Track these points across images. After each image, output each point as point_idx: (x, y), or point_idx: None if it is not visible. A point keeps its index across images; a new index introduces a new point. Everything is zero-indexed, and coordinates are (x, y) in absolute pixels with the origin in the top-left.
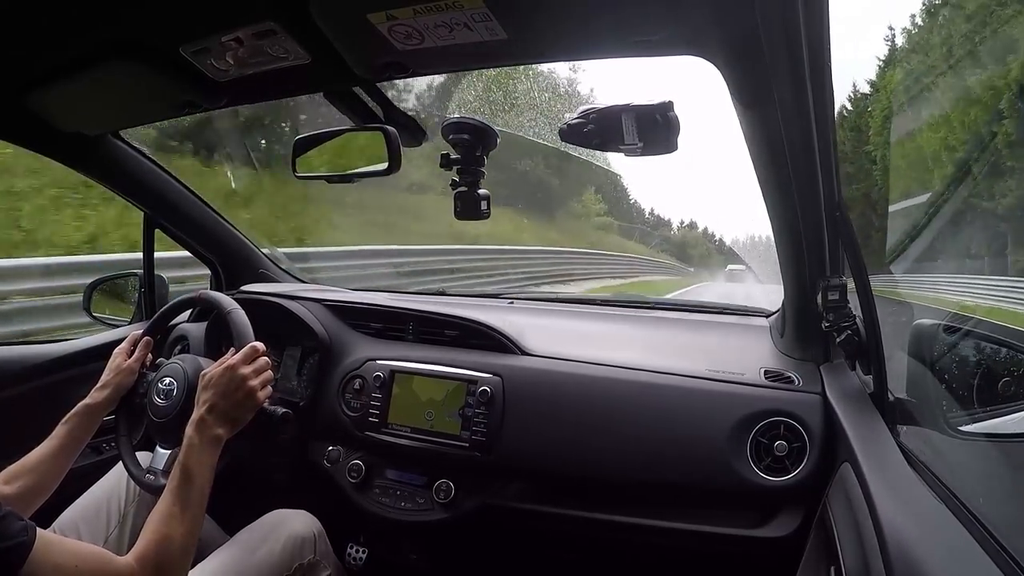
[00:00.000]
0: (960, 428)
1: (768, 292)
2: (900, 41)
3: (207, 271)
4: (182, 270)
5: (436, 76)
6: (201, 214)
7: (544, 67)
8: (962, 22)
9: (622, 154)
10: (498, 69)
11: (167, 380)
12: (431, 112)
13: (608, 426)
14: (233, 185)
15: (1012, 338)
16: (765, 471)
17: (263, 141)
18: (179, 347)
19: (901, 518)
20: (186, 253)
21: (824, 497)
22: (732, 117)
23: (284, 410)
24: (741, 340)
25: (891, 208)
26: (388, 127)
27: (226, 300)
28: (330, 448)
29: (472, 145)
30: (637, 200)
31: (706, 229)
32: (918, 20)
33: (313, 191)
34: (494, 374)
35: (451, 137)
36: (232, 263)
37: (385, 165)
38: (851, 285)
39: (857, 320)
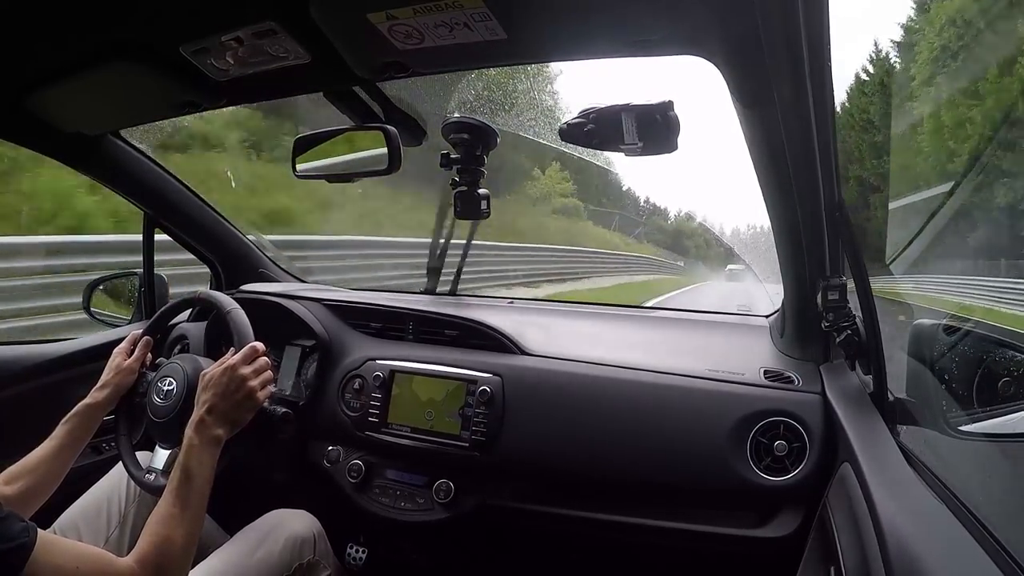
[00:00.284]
0: (960, 428)
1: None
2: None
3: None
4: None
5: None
6: (201, 214)
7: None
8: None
9: (622, 154)
10: (498, 69)
11: (167, 380)
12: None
13: (608, 426)
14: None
15: (1012, 338)
16: (765, 471)
17: None
18: (179, 347)
19: (901, 518)
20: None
21: (824, 497)
22: (732, 116)
23: (284, 410)
24: (741, 340)
25: (891, 205)
26: (388, 126)
27: (226, 300)
28: (330, 448)
29: (472, 145)
30: (616, 180)
31: (704, 219)
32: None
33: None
34: (494, 374)
35: (451, 137)
36: (232, 263)
37: (385, 164)
38: (851, 285)
39: (857, 320)
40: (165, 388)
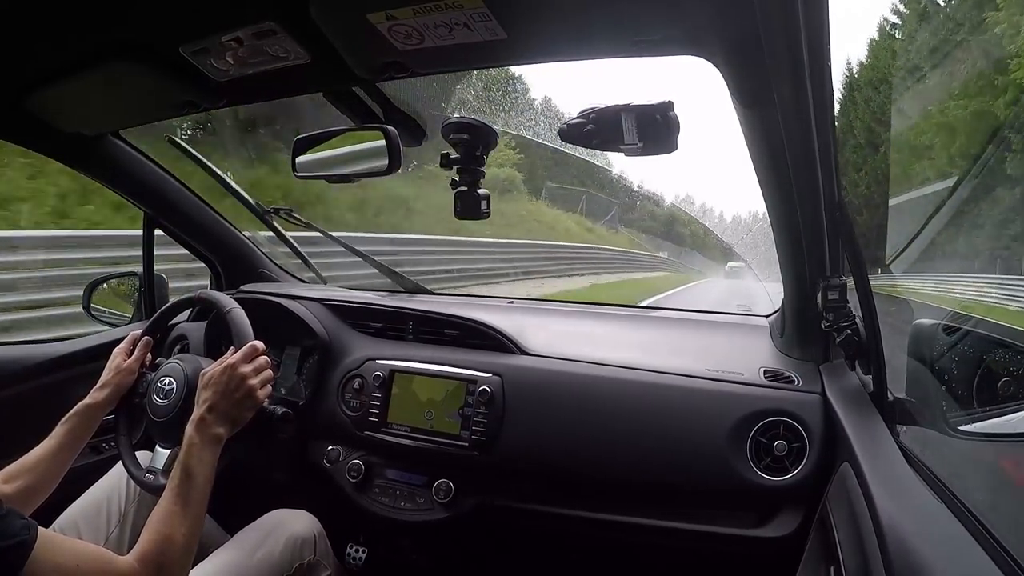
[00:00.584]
0: (960, 428)
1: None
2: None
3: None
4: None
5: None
6: (201, 214)
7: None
8: None
9: (622, 154)
10: (498, 69)
11: (167, 380)
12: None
13: (608, 426)
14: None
15: (1012, 338)
16: (765, 471)
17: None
18: (179, 347)
19: (901, 518)
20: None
21: (824, 497)
22: (732, 115)
23: (284, 409)
24: (741, 340)
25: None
26: (388, 127)
27: (225, 299)
28: (330, 448)
29: (472, 145)
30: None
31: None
32: None
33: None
34: (494, 374)
35: (451, 137)
36: (232, 263)
37: (385, 164)
38: (851, 284)
39: (857, 320)
40: (165, 388)
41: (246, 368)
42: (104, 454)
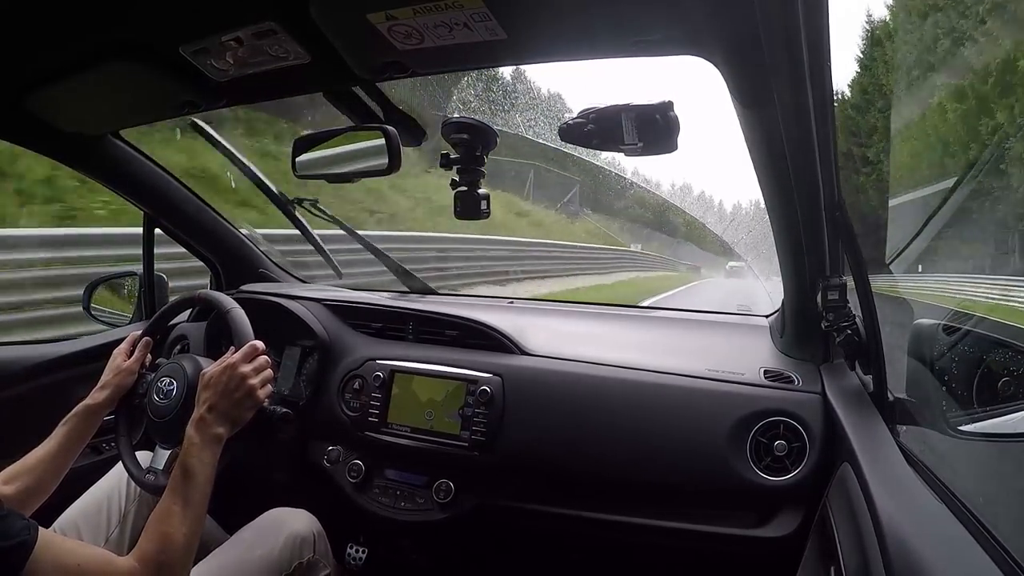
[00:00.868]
0: (960, 428)
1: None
2: None
3: None
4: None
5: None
6: (201, 214)
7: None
8: None
9: (622, 154)
10: (498, 69)
11: (167, 380)
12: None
13: (608, 426)
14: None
15: (1012, 337)
16: (765, 471)
17: None
18: (179, 347)
19: (901, 518)
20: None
21: (824, 497)
22: (732, 113)
23: (284, 409)
24: (741, 340)
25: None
26: (388, 127)
27: (225, 299)
28: (330, 448)
29: (472, 145)
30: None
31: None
32: None
33: None
34: (494, 374)
35: (451, 137)
36: (232, 263)
37: (385, 164)
38: (851, 284)
39: (857, 320)
40: (165, 388)
41: (246, 368)
42: (104, 454)
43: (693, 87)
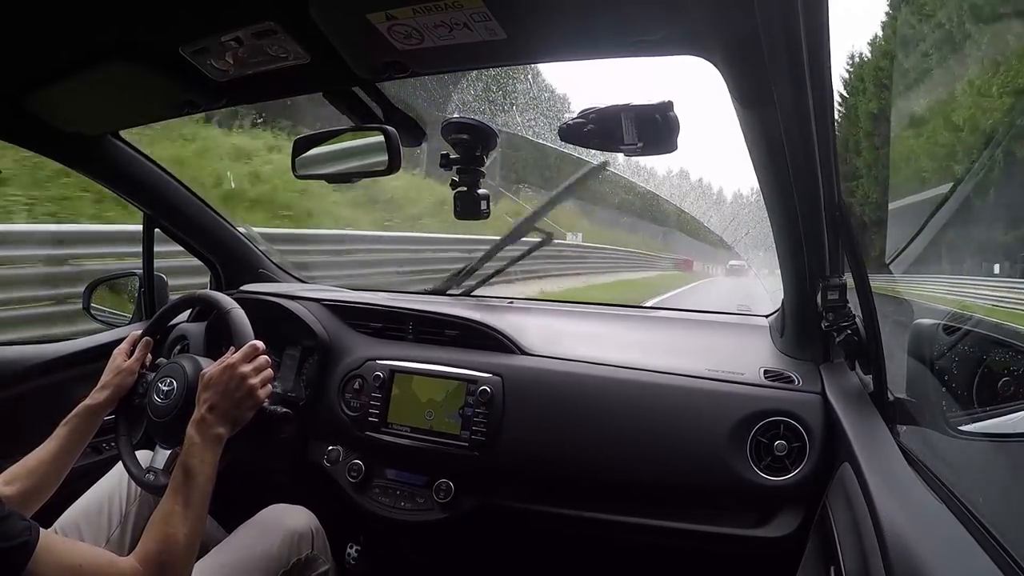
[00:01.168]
0: (960, 428)
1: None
2: None
3: None
4: None
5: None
6: (201, 214)
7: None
8: None
9: (622, 154)
10: (498, 69)
11: (167, 380)
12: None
13: (608, 426)
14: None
15: (1012, 337)
16: (765, 471)
17: None
18: (179, 347)
19: (901, 518)
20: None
21: (824, 497)
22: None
23: (284, 410)
24: (741, 340)
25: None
26: (388, 127)
27: (225, 299)
28: (330, 448)
29: (472, 145)
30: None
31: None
32: None
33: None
34: (494, 374)
35: (451, 137)
36: (232, 263)
37: (385, 164)
38: (851, 284)
39: (857, 320)
40: (165, 388)
41: (246, 368)
42: (104, 454)
43: (693, 87)
